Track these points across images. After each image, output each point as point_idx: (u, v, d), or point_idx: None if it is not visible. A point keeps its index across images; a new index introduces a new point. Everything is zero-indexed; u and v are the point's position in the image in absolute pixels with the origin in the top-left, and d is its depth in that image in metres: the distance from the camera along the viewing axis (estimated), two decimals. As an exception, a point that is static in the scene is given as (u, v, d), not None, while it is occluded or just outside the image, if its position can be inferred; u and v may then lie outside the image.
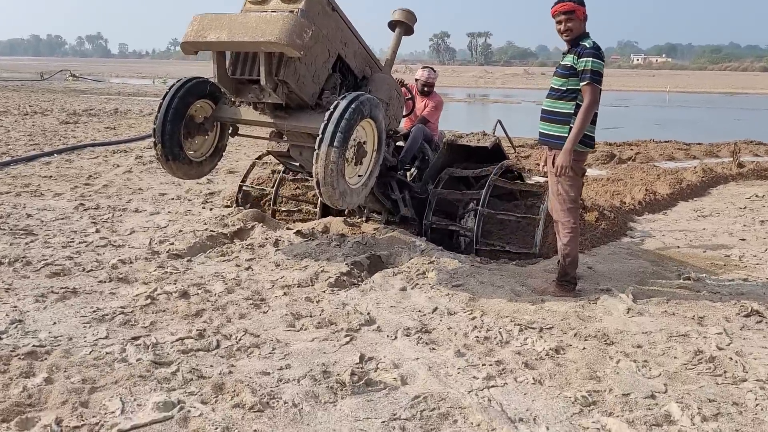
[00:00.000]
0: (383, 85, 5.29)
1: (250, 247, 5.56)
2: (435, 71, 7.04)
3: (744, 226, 7.15)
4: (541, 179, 6.59)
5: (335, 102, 4.37)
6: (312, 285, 4.70)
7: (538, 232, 5.75)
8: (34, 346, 3.42)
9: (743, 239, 6.56)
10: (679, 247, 6.28)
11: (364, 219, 6.40)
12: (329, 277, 4.79)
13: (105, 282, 4.58)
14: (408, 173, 6.55)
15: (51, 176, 8.63)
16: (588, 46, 4.33)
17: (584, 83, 4.29)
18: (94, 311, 4.00)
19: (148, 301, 4.20)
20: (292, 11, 4.40)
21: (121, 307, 4.08)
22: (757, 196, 8.73)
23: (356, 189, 4.65)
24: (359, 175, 4.75)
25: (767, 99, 41.31)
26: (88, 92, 29.14)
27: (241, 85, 4.92)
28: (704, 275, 5.18)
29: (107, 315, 3.94)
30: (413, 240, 5.80)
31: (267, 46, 4.34)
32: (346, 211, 6.64)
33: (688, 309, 4.39)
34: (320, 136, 4.25)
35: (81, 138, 12.85)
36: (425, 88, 6.86)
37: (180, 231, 6.07)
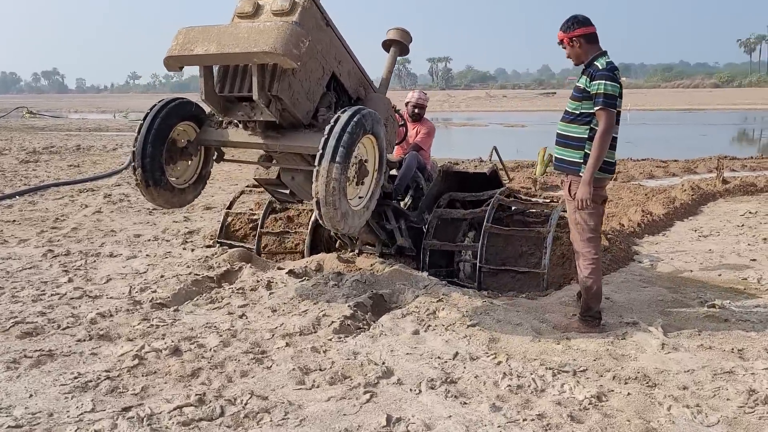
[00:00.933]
0: (379, 106, 4.96)
1: (240, 291, 5.13)
2: (426, 93, 6.74)
3: (749, 245, 6.97)
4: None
5: (336, 115, 4.05)
6: (315, 332, 4.28)
7: (546, 249, 5.43)
8: (9, 427, 2.94)
9: (754, 259, 6.35)
10: (692, 271, 6.03)
11: (356, 252, 6.01)
12: (333, 322, 4.39)
13: (84, 341, 4.09)
14: (402, 203, 6.21)
15: (14, 220, 8.05)
16: (600, 67, 4.08)
17: (597, 108, 4.03)
18: (76, 377, 3.52)
19: (136, 361, 3.74)
20: (285, 22, 4.06)
21: (106, 371, 3.61)
22: (750, 212, 8.61)
23: (358, 211, 4.30)
24: (360, 197, 4.40)
25: (723, 114, 42.30)
26: (47, 129, 28.29)
27: (230, 104, 4.57)
28: (728, 302, 4.91)
29: (91, 381, 3.47)
30: (415, 274, 5.43)
31: (261, 57, 3.99)
32: (337, 244, 6.26)
33: (723, 341, 4.10)
34: (320, 151, 3.91)
35: (43, 178, 12.24)
36: (416, 111, 6.55)
37: (161, 276, 5.60)
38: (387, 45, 5.52)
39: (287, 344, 4.05)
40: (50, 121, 36.24)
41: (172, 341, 4.04)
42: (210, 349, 3.95)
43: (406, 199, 6.22)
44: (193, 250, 6.59)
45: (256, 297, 5.02)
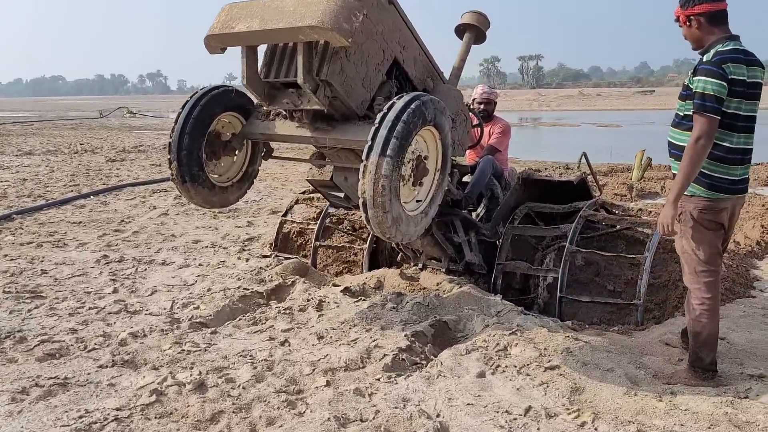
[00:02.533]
0: (449, 99, 4.29)
1: (288, 311, 4.59)
2: (492, 87, 6.00)
3: None
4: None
5: (390, 102, 3.44)
6: (363, 367, 3.67)
7: (643, 276, 4.58)
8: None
9: None
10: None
11: (419, 267, 5.36)
12: (385, 356, 3.76)
13: (106, 367, 3.67)
14: (474, 213, 5.50)
15: (81, 222, 7.91)
16: (706, 59, 3.22)
17: (692, 111, 3.19)
18: (80, 417, 3.06)
19: (153, 397, 3.26)
20: None
21: (117, 409, 3.14)
22: None
23: (414, 217, 3.66)
24: (418, 200, 3.76)
25: None
26: (143, 128, 29.22)
27: (276, 90, 4.03)
28: None
29: (96, 423, 3.01)
30: (486, 298, 4.72)
31: (307, 33, 3.44)
32: (398, 258, 5.62)
33: None
34: (369, 143, 3.31)
35: (124, 177, 12.30)
36: (483, 108, 5.82)
37: (209, 290, 5.16)
38: (461, 30, 4.82)
39: (327, 383, 3.46)
40: (148, 120, 37.59)
41: (200, 372, 3.54)
42: (239, 386, 3.41)
43: (479, 210, 5.51)
44: (248, 260, 6.14)
45: (304, 319, 4.47)
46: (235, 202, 4.62)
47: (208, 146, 4.27)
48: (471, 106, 5.66)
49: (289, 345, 4.03)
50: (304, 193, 6.44)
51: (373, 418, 3.07)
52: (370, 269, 5.61)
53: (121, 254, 6.31)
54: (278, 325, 4.33)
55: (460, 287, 4.92)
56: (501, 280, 5.05)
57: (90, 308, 4.68)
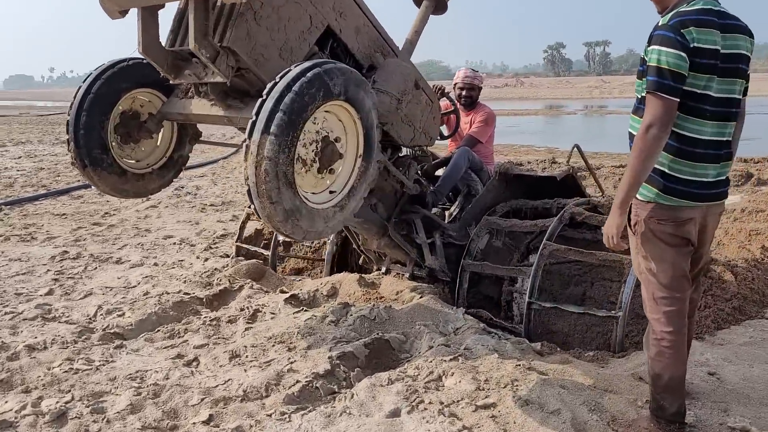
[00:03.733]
0: (394, 75, 3.68)
1: (214, 323, 4.07)
2: (477, 72, 5.30)
3: None
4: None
5: (284, 71, 2.85)
6: (264, 397, 3.11)
7: (627, 283, 3.83)
8: None
9: None
10: None
11: (382, 272, 4.75)
12: (297, 383, 3.19)
13: (-23, 386, 3.23)
14: (448, 213, 4.85)
15: (64, 214, 7.62)
16: (662, 22, 2.46)
17: (646, 92, 2.46)
18: None
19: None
20: None
21: (-52, 444, 2.69)
22: None
23: (323, 211, 3.09)
24: (331, 191, 3.18)
25: None
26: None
27: (183, 62, 3.47)
28: None
29: None
30: (445, 311, 4.09)
31: None
32: (360, 261, 5.03)
33: None
34: (252, 118, 2.75)
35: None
36: (464, 94, 5.14)
37: (146, 294, 4.69)
38: None
39: (210, 417, 2.91)
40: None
41: (71, 399, 3.06)
42: (104, 419, 2.91)
43: (453, 208, 4.86)
44: (207, 260, 5.65)
45: (229, 333, 3.94)
46: (157, 192, 4.10)
47: (122, 127, 3.78)
48: (448, 93, 5.00)
49: (196, 365, 3.51)
50: None
51: (235, 471, 2.52)
52: (337, 272, 5.05)
53: (81, 250, 5.94)
54: (194, 340, 3.81)
55: (420, 297, 4.31)
56: (467, 287, 4.39)
57: (6, 312, 4.28)
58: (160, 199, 8.52)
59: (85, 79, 3.61)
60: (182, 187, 9.46)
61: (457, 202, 4.88)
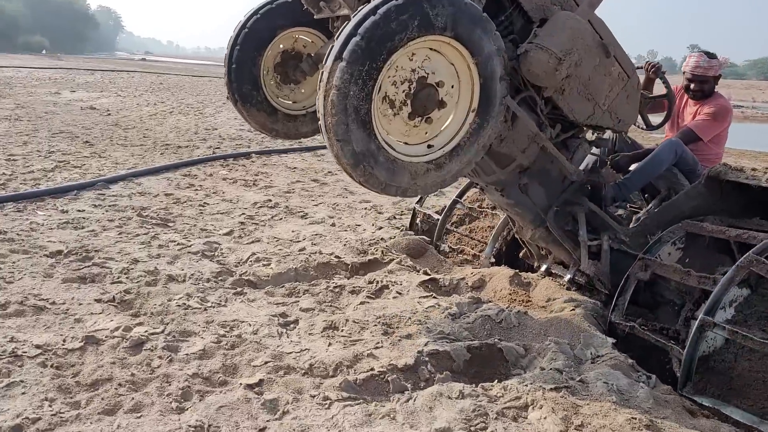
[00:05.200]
0: (560, 29, 3.07)
1: (338, 290, 3.94)
2: (714, 57, 4.21)
3: None
4: None
5: None
6: (327, 377, 2.88)
7: None
8: None
9: None
10: None
11: (542, 274, 4.12)
12: (368, 371, 2.90)
13: (99, 302, 3.55)
14: (636, 218, 4.01)
15: (295, 168, 8.19)
16: None
17: None
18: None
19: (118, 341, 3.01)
20: None
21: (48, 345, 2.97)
22: None
23: (409, 164, 2.72)
24: (429, 144, 2.79)
25: None
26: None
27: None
28: None
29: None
30: (592, 333, 3.40)
31: None
32: (521, 254, 4.43)
33: None
34: (331, 44, 2.50)
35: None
36: (693, 87, 4.15)
37: (302, 250, 4.75)
38: None
39: (258, 382, 2.78)
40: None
41: (161, 331, 3.19)
42: (170, 357, 2.95)
43: (642, 213, 4.00)
44: (381, 228, 5.54)
45: (344, 303, 3.78)
46: (310, 136, 4.01)
47: (282, 66, 3.80)
48: (663, 72, 4.09)
49: (292, 328, 3.41)
50: None
51: (234, 443, 2.35)
52: (499, 264, 4.55)
53: (282, 201, 6.29)
54: (305, 303, 3.72)
55: (571, 310, 3.65)
56: (628, 305, 3.52)
57: (178, 243, 4.67)
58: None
59: (245, 15, 3.66)
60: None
61: (650, 206, 4.01)
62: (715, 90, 4.30)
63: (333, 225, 5.55)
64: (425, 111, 2.72)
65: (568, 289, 3.91)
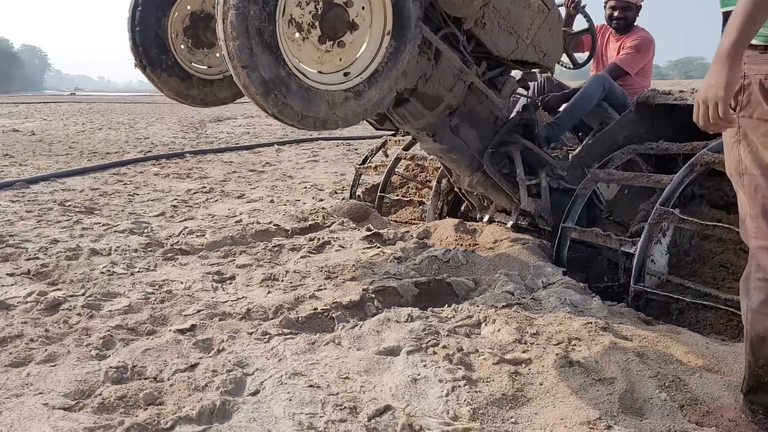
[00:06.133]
0: None
1: (277, 248, 3.72)
2: None
3: None
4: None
5: None
6: (265, 320, 2.65)
7: None
8: None
9: None
10: None
11: (485, 221, 4.00)
12: (307, 311, 2.69)
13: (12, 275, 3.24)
14: (572, 156, 3.94)
15: (232, 161, 7.92)
16: None
17: None
18: None
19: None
20: None
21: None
22: None
23: (324, 92, 2.50)
24: (345, 72, 2.60)
25: None
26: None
27: None
28: None
29: None
30: (539, 264, 3.28)
31: None
32: (462, 208, 4.31)
33: None
34: None
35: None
36: (615, 15, 4.14)
37: (239, 222, 4.52)
38: None
39: (190, 327, 2.54)
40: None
41: (81, 294, 2.91)
42: (91, 314, 2.69)
43: (578, 151, 3.93)
44: (321, 200, 5.35)
45: (284, 260, 3.56)
46: (230, 101, 3.76)
47: (192, 29, 3.57)
48: (583, 6, 4.06)
49: (228, 283, 3.18)
50: (396, 134, 5.34)
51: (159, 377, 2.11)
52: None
53: (217, 187, 6.03)
54: (241, 260, 3.49)
55: (519, 247, 3.52)
56: (566, 251, 3.45)
57: (103, 224, 4.36)
58: (325, 156, 8.50)
59: None
60: (355, 149, 9.36)
61: (586, 141, 3.95)
62: (636, 24, 4.31)
63: (272, 201, 5.32)
64: (336, 33, 2.53)
65: (514, 231, 3.79)
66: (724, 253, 3.10)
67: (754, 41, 1.62)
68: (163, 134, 11.73)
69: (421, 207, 4.69)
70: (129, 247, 3.76)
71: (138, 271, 3.31)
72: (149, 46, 3.39)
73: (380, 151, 5.31)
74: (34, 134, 11.65)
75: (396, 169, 4.89)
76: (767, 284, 1.69)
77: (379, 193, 4.80)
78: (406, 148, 4.88)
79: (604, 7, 4.32)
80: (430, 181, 4.70)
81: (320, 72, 2.56)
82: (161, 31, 3.41)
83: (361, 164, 5.17)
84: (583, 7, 3.99)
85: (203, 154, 8.64)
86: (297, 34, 2.46)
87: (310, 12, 2.44)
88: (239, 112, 19.08)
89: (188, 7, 3.53)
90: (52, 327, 2.53)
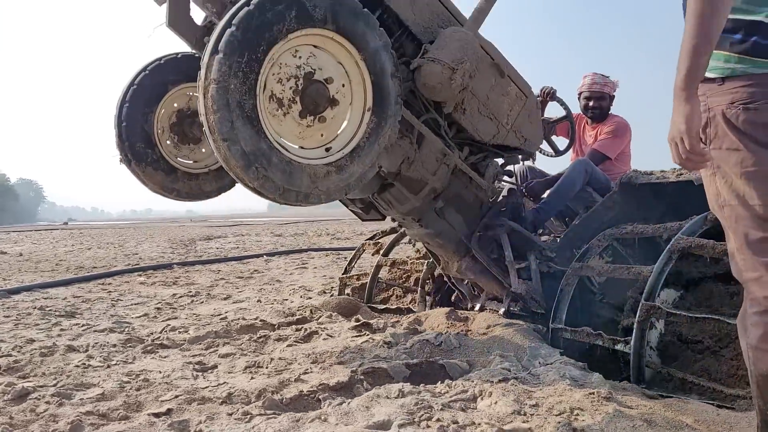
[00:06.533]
0: (448, 41, 3.04)
1: (262, 339, 3.58)
2: (608, 77, 4.39)
3: None
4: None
5: None
6: (248, 404, 2.49)
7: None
8: None
9: None
10: None
11: (477, 309, 3.90)
12: (292, 393, 2.53)
13: None
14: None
15: (220, 270, 7.84)
16: None
17: None
18: None
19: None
20: None
21: None
22: None
23: (307, 166, 2.48)
24: (327, 147, 2.61)
25: None
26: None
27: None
28: None
29: None
30: (535, 345, 3.16)
31: None
32: (452, 298, 4.23)
33: None
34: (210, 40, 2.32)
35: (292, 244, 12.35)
36: (591, 105, 4.27)
37: (223, 318, 4.38)
38: None
39: (166, 411, 2.37)
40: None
41: (53, 385, 2.74)
42: (61, 402, 2.52)
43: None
44: (309, 298, 5.24)
45: (269, 349, 3.42)
46: (215, 195, 3.75)
47: (179, 125, 3.62)
48: (554, 92, 4.19)
49: (210, 371, 3.02)
50: (372, 238, 5.30)
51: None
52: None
53: (203, 291, 5.91)
54: (224, 350, 3.34)
55: (514, 330, 3.41)
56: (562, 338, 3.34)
57: (83, 325, 4.21)
58: (315, 264, 8.44)
59: (134, 73, 3.53)
60: (345, 258, 9.32)
61: (573, 223, 3.94)
62: (611, 112, 4.44)
63: (259, 301, 5.20)
64: (317, 108, 2.56)
65: (506, 317, 3.69)
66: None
67: (710, 74, 1.65)
68: (152, 250, 11.69)
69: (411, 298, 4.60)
70: (107, 343, 3.61)
71: (115, 364, 3.15)
72: (135, 140, 3.42)
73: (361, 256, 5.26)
74: (21, 255, 11.57)
75: (379, 276, 4.84)
76: (763, 317, 1.61)
77: (365, 303, 4.69)
78: (386, 254, 4.85)
79: (578, 98, 4.47)
80: (414, 286, 4.62)
81: (302, 147, 2.56)
82: (147, 125, 3.45)
83: (343, 274, 5.10)
84: (554, 92, 4.10)
85: (191, 265, 8.56)
86: (278, 110, 2.49)
87: (290, 88, 2.48)
88: (230, 231, 19.22)
89: (175, 105, 3.60)
90: (17, 415, 2.36)
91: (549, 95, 4.06)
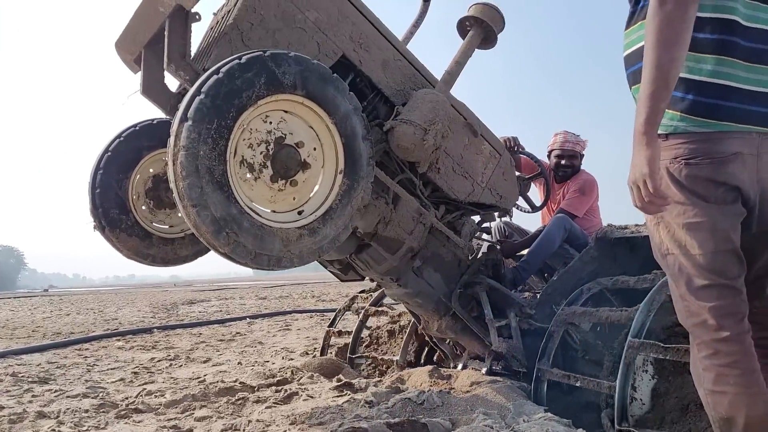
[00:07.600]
0: (420, 103, 3.10)
1: (241, 401, 3.48)
2: (577, 136, 4.46)
3: None
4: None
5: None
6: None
7: None
8: None
9: None
10: None
11: (459, 367, 3.84)
12: (273, 455, 2.45)
13: None
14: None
15: (200, 333, 7.69)
16: None
17: None
18: None
19: None
20: None
21: None
22: None
23: (278, 230, 2.46)
24: (299, 210, 2.60)
25: None
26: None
27: None
28: None
29: None
30: (520, 402, 3.10)
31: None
32: (435, 358, 4.17)
33: None
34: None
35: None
36: (563, 163, 4.33)
37: (201, 381, 4.27)
38: (464, 26, 3.59)
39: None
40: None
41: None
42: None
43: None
44: (292, 359, 5.14)
45: (248, 411, 3.32)
46: (191, 260, 3.72)
47: (154, 191, 3.61)
48: (519, 144, 4.22)
49: (184, 435, 2.91)
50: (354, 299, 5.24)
51: None
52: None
53: (182, 354, 5.78)
54: (201, 413, 3.24)
55: (498, 387, 3.34)
56: (546, 390, 3.29)
57: (54, 391, 4.08)
58: (299, 326, 8.32)
59: (109, 140, 3.54)
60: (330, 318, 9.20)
61: (552, 279, 3.93)
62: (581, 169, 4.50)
63: (239, 363, 5.09)
64: (288, 172, 2.56)
65: (490, 374, 3.63)
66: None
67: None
68: (133, 315, 11.49)
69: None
70: (80, 408, 3.49)
71: (86, 430, 3.04)
72: (109, 207, 3.38)
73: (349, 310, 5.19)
74: (-3, 322, 11.31)
75: (367, 324, 4.78)
76: (712, 360, 1.62)
77: (349, 355, 4.62)
78: (374, 303, 4.80)
79: (548, 155, 4.52)
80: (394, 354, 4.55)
81: (274, 211, 2.56)
82: (122, 191, 3.42)
83: (329, 326, 5.03)
84: (517, 141, 4.04)
85: (172, 329, 8.41)
86: (249, 174, 2.49)
87: (261, 153, 2.49)
88: (213, 295, 18.99)
89: (151, 170, 3.59)
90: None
91: (515, 147, 4.07)
